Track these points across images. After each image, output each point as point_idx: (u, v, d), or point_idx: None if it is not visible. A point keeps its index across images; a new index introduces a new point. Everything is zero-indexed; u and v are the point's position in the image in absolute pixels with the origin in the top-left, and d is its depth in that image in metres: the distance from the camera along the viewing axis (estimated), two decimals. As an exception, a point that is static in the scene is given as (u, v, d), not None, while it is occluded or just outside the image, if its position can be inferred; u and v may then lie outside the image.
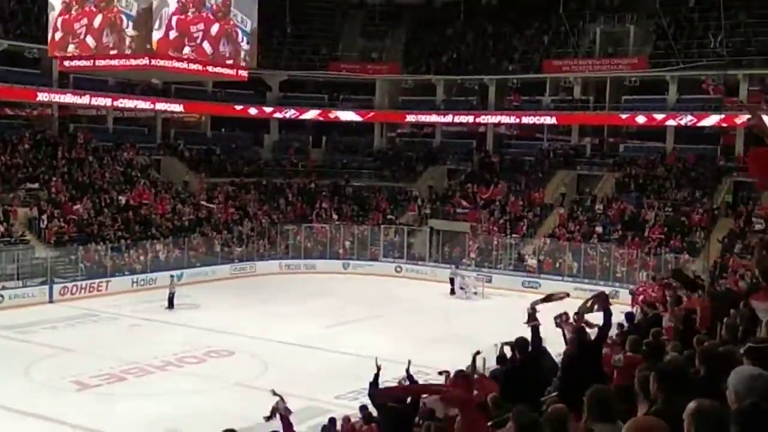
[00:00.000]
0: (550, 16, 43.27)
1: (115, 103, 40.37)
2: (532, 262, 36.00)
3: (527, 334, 8.95)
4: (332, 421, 13.35)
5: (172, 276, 31.41)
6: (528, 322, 9.00)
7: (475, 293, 33.74)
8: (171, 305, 29.49)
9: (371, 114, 46.77)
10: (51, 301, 29.79)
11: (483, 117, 44.24)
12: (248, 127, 47.54)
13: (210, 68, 25.06)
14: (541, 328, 8.96)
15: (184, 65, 25.10)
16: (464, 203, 40.27)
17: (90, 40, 22.49)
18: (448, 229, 39.24)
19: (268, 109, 45.74)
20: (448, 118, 45.28)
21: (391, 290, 34.74)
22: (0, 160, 34.63)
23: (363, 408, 12.42)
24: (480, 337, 16.76)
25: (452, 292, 33.96)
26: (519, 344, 8.94)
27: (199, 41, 23.16)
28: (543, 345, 9.28)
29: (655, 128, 40.38)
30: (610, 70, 40.82)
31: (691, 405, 3.48)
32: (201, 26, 23.12)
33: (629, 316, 15.69)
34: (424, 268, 38.17)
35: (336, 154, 47.33)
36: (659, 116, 39.40)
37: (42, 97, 37.62)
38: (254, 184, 42.92)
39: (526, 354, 8.80)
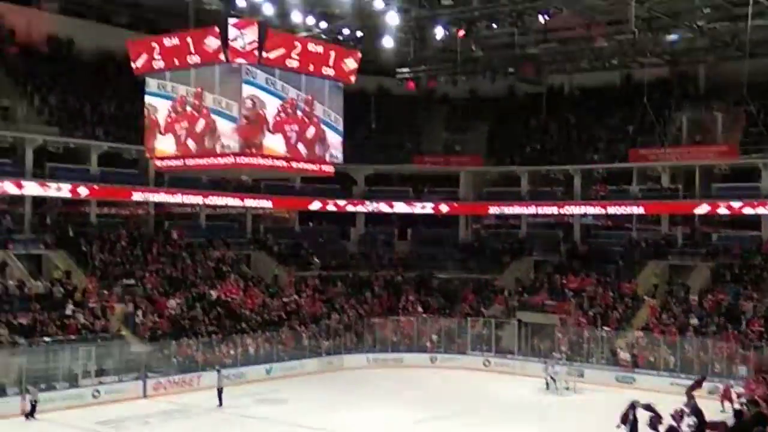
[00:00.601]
0: (635, 105, 43.11)
1: (207, 201, 41.61)
2: (625, 356, 34.91)
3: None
4: None
5: (218, 370, 30.86)
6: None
7: (567, 388, 32.79)
8: (220, 402, 29.21)
9: (456, 206, 46.99)
10: (145, 396, 30.25)
11: (569, 207, 43.86)
12: (335, 220, 48.33)
13: (297, 164, 25.75)
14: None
15: (273, 162, 25.89)
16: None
17: (191, 143, 23.41)
18: (537, 321, 38.54)
19: (354, 203, 46.51)
20: (533, 209, 45.05)
21: (480, 385, 34.13)
22: (99, 258, 35.90)
23: None
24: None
25: (547, 386, 33.06)
26: None
27: (293, 142, 23.84)
28: None
29: (749, 216, 39.27)
30: (698, 158, 40.17)
31: None
32: (295, 127, 23.84)
33: (737, 413, 15.03)
34: (513, 361, 37.44)
35: (421, 246, 47.52)
36: (752, 204, 38.30)
37: (138, 196, 39.19)
38: (341, 277, 43.32)
39: None
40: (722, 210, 39.29)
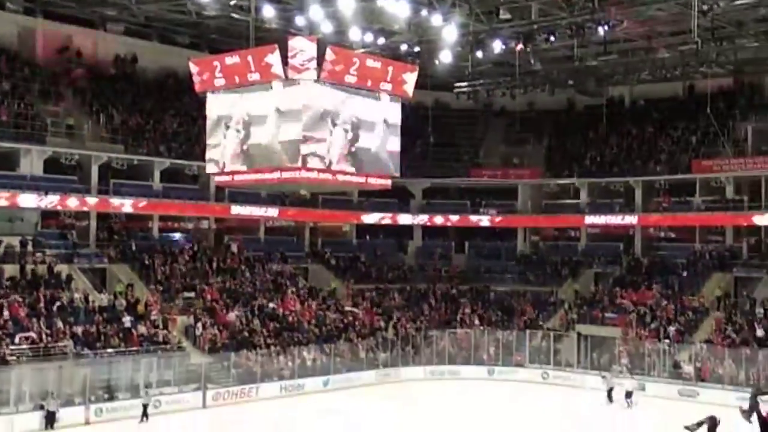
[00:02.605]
0: (698, 115, 42.36)
1: (266, 214, 42.11)
2: (688, 369, 34.18)
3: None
4: None
5: (146, 389, 29.20)
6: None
7: (629, 402, 32.11)
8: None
9: (513, 218, 46.73)
10: (204, 407, 30.69)
11: (632, 217, 43.10)
12: (392, 234, 48.48)
13: (357, 179, 25.89)
14: None
15: (331, 176, 26.12)
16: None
17: (246, 157, 23.75)
18: (596, 334, 38.01)
19: (411, 217, 46.57)
20: (596, 219, 44.36)
21: (539, 398, 33.78)
22: (161, 271, 36.62)
23: None
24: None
25: (610, 400, 32.52)
26: None
27: (352, 156, 24.01)
28: None
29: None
30: (764, 168, 39.22)
31: None
32: (355, 142, 24.02)
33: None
34: (573, 375, 36.96)
35: (479, 259, 47.31)
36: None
37: (199, 211, 39.94)
38: (398, 290, 43.39)
39: None
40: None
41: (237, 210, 40.42)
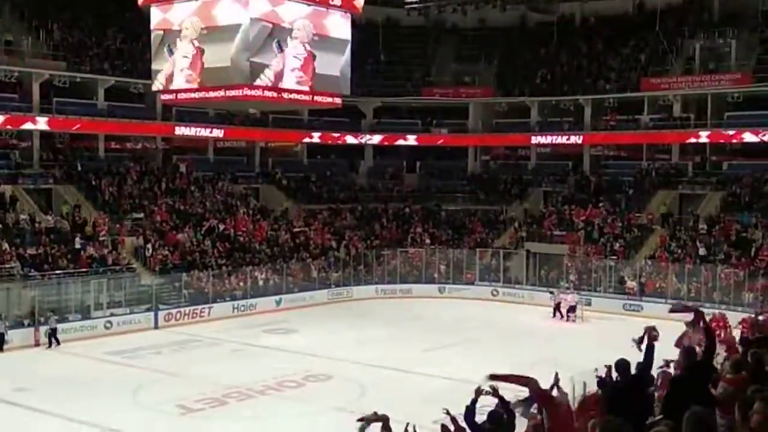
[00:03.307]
0: (647, 33, 42.39)
1: (211, 134, 41.53)
2: (632, 284, 35.09)
3: (629, 356, 8.65)
4: None
5: (51, 313, 28.06)
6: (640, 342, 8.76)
7: (569, 317, 32.94)
8: (50, 343, 27.31)
9: (465, 137, 46.77)
10: (156, 327, 30.72)
11: (578, 137, 43.51)
12: (343, 154, 48.27)
13: (305, 97, 25.52)
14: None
15: (281, 95, 25.62)
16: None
17: (196, 75, 23.24)
18: (545, 251, 38.69)
19: (362, 136, 46.31)
20: (543, 139, 44.73)
21: (488, 314, 34.42)
22: (108, 192, 36.08)
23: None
24: (579, 361, 16.43)
25: (554, 314, 33.34)
26: (619, 366, 8.57)
27: (300, 74, 23.62)
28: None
29: (760, 145, 38.87)
30: (711, 86, 39.62)
31: None
32: (302, 59, 23.58)
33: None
34: (521, 291, 37.72)
35: (430, 178, 47.44)
36: (765, 132, 37.84)
37: (146, 130, 39.19)
38: (350, 209, 43.44)
39: (627, 377, 8.46)
40: (731, 137, 38.92)
41: (181, 130, 39.74)
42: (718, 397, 7.74)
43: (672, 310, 8.99)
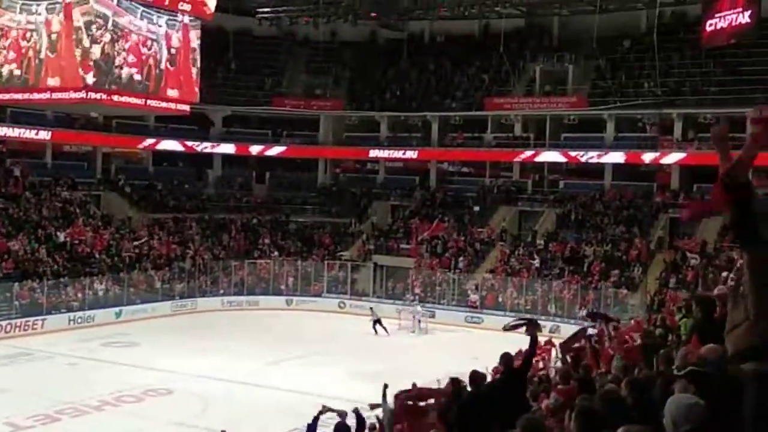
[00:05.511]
0: (491, 54, 44.00)
1: (53, 137, 39.56)
2: (474, 297, 36.21)
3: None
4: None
5: None
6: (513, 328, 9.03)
7: (413, 330, 33.54)
8: None
9: (315, 150, 46.89)
10: (-16, 340, 28.96)
11: (425, 153, 44.53)
12: (191, 162, 47.25)
13: (152, 102, 24.88)
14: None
15: (125, 99, 24.82)
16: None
17: (28, 74, 22.18)
18: (392, 264, 39.34)
19: (211, 145, 45.47)
20: (391, 154, 45.49)
21: (334, 326, 34.56)
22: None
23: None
24: (422, 372, 16.78)
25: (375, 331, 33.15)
26: (503, 358, 8.21)
27: (146, 78, 23.00)
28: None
29: (593, 165, 41.15)
30: (549, 108, 41.59)
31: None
32: (149, 63, 22.99)
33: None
34: (368, 303, 38.07)
35: (280, 189, 47.21)
36: (597, 153, 40.04)
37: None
38: (197, 219, 42.51)
39: (509, 372, 8.31)
40: (566, 159, 40.99)
41: (3, 131, 37.44)
42: (550, 408, 8.12)
43: (506, 329, 9.29)
